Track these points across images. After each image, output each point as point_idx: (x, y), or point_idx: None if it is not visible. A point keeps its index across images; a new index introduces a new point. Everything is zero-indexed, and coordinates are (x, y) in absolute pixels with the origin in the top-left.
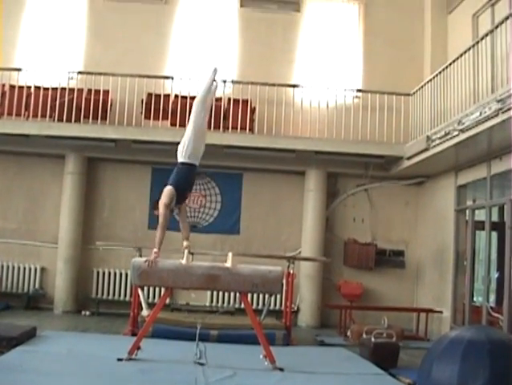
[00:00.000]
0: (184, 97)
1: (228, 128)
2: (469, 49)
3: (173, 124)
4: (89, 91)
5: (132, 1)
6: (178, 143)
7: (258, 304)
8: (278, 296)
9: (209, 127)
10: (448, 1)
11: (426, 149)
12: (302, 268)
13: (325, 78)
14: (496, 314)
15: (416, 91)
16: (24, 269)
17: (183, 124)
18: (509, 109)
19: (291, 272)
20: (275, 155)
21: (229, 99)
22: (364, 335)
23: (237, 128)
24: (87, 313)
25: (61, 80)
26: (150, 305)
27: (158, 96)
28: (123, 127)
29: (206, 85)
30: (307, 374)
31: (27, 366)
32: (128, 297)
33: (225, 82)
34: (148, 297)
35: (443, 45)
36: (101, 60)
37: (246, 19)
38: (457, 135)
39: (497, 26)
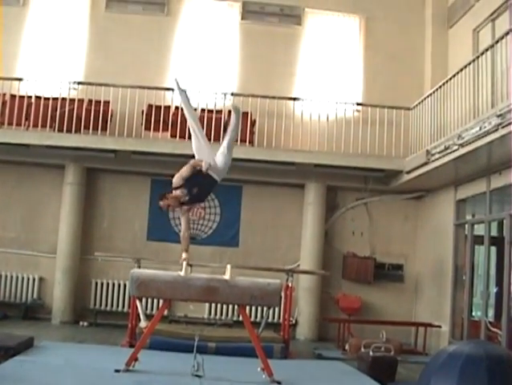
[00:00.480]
0: None
1: None
2: (470, 64)
3: (173, 136)
4: (89, 101)
5: (133, 12)
6: (178, 154)
7: (256, 317)
8: (277, 309)
9: (209, 139)
10: (448, 15)
11: (426, 163)
12: (300, 281)
13: (325, 91)
14: (494, 329)
15: (416, 105)
16: (22, 278)
17: (183, 136)
18: (509, 124)
19: (290, 285)
20: (275, 167)
21: (230, 112)
22: (363, 349)
23: (237, 141)
24: (85, 323)
25: (62, 90)
26: (148, 317)
27: (158, 108)
28: (123, 138)
29: (234, 126)
30: None
31: (24, 376)
32: (126, 309)
33: (225, 94)
34: (146, 308)
35: (443, 59)
36: (102, 71)
37: (247, 32)
38: (456, 149)
39: (497, 41)
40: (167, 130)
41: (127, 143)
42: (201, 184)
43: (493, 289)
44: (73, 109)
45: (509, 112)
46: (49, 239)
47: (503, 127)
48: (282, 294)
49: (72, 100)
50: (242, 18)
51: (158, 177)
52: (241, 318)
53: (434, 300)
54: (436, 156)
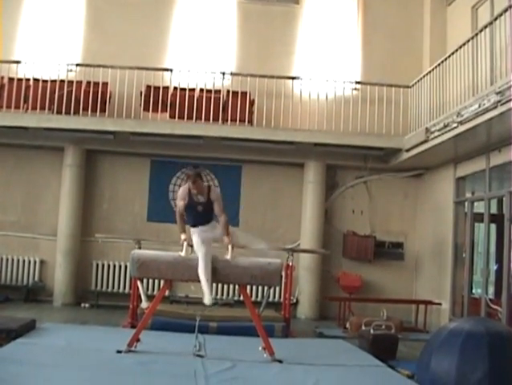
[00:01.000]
0: (183, 89)
1: (227, 120)
2: (469, 41)
3: (172, 116)
4: (88, 83)
5: None
6: (177, 135)
7: (257, 296)
8: (277, 288)
9: (208, 119)
10: None
11: (425, 141)
12: (301, 260)
13: (324, 70)
14: (495, 306)
15: (415, 83)
16: (23, 261)
17: (182, 116)
18: (508, 101)
19: (290, 264)
20: (274, 147)
21: (228, 92)
22: (363, 327)
23: (236, 120)
24: (87, 305)
25: (60, 72)
26: (149, 298)
27: (157, 88)
28: (121, 119)
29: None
30: (306, 365)
31: (26, 358)
32: (127, 290)
33: (224, 74)
34: (148, 289)
35: (442, 37)
36: (100, 52)
37: (245, 11)
38: (456, 127)
39: (496, 18)
40: (166, 111)
41: (126, 124)
42: (205, 210)
43: (493, 267)
44: (71, 91)
45: (508, 89)
46: (49, 221)
47: (502, 105)
48: (283, 274)
49: (71, 82)
50: None
51: (157, 158)
52: (242, 298)
53: (434, 278)
54: (436, 133)
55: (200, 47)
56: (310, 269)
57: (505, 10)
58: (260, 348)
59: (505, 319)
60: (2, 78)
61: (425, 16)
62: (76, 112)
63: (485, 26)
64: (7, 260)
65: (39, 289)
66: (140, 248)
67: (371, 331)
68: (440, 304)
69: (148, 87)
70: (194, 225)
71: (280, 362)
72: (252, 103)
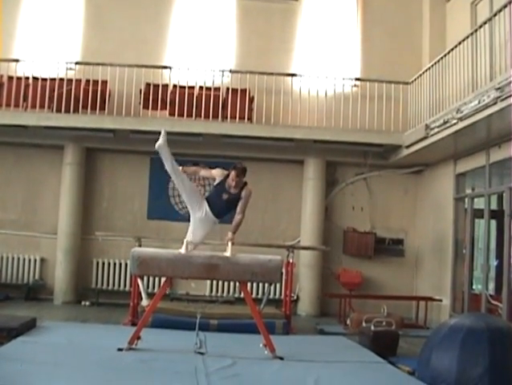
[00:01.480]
0: (182, 87)
1: (226, 118)
2: (468, 37)
3: (172, 114)
4: (87, 81)
5: None
6: (177, 133)
7: (257, 293)
8: (278, 285)
9: (208, 116)
10: None
11: (425, 138)
12: (301, 257)
13: (323, 67)
14: (495, 302)
15: (415, 79)
16: (24, 260)
17: (181, 114)
18: (507, 97)
19: (291, 261)
20: (274, 144)
21: (228, 89)
22: (364, 324)
23: (235, 118)
24: (87, 303)
25: (59, 71)
26: (150, 295)
27: (156, 86)
28: (121, 117)
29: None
30: (307, 362)
31: (27, 356)
32: (127, 288)
33: (223, 71)
34: (148, 287)
35: (441, 33)
36: (99, 50)
37: (244, 8)
38: (455, 123)
39: (495, 14)
40: (165, 108)
41: (125, 122)
42: (229, 202)
43: (494, 263)
44: (71, 89)
45: (507, 85)
46: (49, 220)
47: (502, 100)
48: (283, 270)
49: (70, 80)
50: None
51: (157, 156)
52: (242, 295)
53: (435, 274)
54: (435, 130)
55: (199, 45)
56: (311, 265)
57: (505, 6)
58: (261, 345)
59: (506, 315)
60: (2, 76)
61: (425, 12)
62: (76, 110)
63: (485, 22)
64: (7, 258)
65: (40, 288)
66: (140, 245)
67: (372, 328)
68: (440, 300)
69: (148, 84)
70: (208, 201)
71: (281, 358)
72: (251, 100)
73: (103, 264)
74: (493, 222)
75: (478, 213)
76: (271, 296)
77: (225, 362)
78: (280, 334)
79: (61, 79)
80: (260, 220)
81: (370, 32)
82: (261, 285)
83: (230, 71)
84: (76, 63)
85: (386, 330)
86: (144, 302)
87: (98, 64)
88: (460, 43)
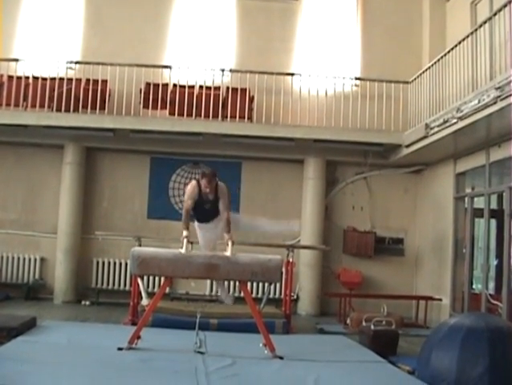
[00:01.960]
0: (182, 86)
1: (226, 117)
2: (468, 36)
3: (172, 114)
4: (87, 80)
5: None
6: (177, 132)
7: (257, 292)
8: (278, 284)
9: (208, 115)
10: None
11: (425, 137)
12: (301, 256)
13: (324, 66)
14: (495, 302)
15: (415, 78)
16: (24, 259)
17: (181, 114)
18: (507, 96)
19: (291, 260)
20: (274, 143)
21: (228, 88)
22: (364, 323)
23: (235, 117)
24: (87, 303)
25: (59, 70)
26: (150, 295)
27: (156, 86)
28: (121, 116)
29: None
30: (307, 362)
31: (27, 356)
32: (127, 287)
33: (223, 71)
34: (148, 286)
35: (441, 32)
36: (99, 50)
37: (244, 8)
38: (455, 122)
39: (495, 14)
40: (165, 108)
41: (125, 121)
42: (212, 209)
43: (494, 262)
44: (71, 89)
45: (507, 85)
46: (49, 219)
47: (502, 100)
48: (283, 270)
49: (70, 80)
50: None
51: (157, 155)
52: (242, 295)
53: (435, 273)
54: (435, 129)
55: (199, 44)
56: (311, 265)
57: (505, 6)
58: (261, 344)
59: (506, 314)
60: (2, 76)
61: (424, 12)
62: (76, 110)
63: (485, 22)
64: (7, 258)
65: (40, 287)
66: (140, 245)
67: (372, 327)
68: (440, 299)
69: (148, 84)
70: (199, 220)
71: (281, 358)
72: (251, 99)
73: (103, 263)
74: (493, 221)
75: (478, 213)
76: (271, 295)
77: (225, 361)
78: (280, 333)
79: (61, 79)
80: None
81: (370, 31)
82: (261, 284)
83: (230, 71)
84: (76, 63)
85: (386, 329)
86: (144, 302)
87: (98, 63)
88: (460, 43)
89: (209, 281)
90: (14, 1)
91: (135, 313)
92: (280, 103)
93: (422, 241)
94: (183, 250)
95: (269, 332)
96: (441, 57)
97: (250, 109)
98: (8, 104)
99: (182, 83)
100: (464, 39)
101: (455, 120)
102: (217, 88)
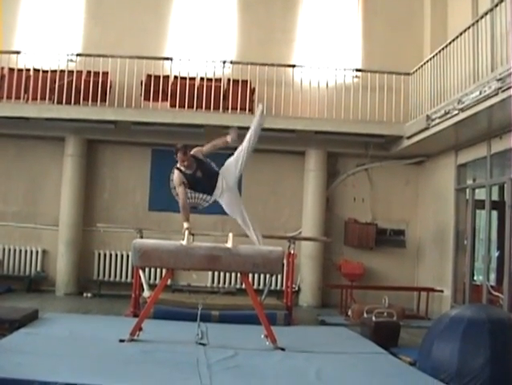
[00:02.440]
0: (183, 78)
1: (228, 109)
2: (469, 28)
3: (173, 105)
4: (88, 73)
5: None
6: (178, 124)
7: (258, 284)
8: (279, 276)
9: (209, 107)
10: None
11: (426, 128)
12: (302, 248)
13: (325, 58)
14: (496, 293)
15: (416, 70)
16: (25, 252)
17: (182, 105)
18: (509, 88)
19: (292, 252)
20: (275, 135)
21: (229, 80)
22: (365, 315)
23: (236, 109)
24: (89, 295)
25: (60, 63)
26: (151, 287)
27: (157, 77)
28: (122, 108)
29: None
30: (308, 353)
31: (29, 348)
32: (129, 279)
33: (224, 62)
34: (150, 278)
35: (443, 24)
36: (100, 42)
37: None
38: (456, 114)
39: (496, 5)
40: (166, 100)
41: (126, 113)
42: (204, 172)
43: (495, 254)
44: (72, 81)
45: (509, 76)
46: (51, 211)
47: (503, 91)
48: (285, 262)
49: (71, 72)
50: None
51: (158, 147)
52: (243, 286)
53: (436, 265)
54: (437, 120)
55: (200, 36)
56: (312, 256)
57: None
58: (262, 336)
59: (507, 306)
60: (3, 68)
61: (426, 3)
62: (77, 102)
63: (486, 13)
64: (9, 250)
65: (41, 280)
66: (141, 237)
67: (373, 319)
68: (441, 291)
69: (149, 76)
70: (207, 193)
71: (282, 349)
72: (252, 91)
73: (105, 255)
74: (495, 213)
75: (479, 204)
76: (272, 287)
77: (227, 353)
78: (281, 325)
79: (62, 71)
80: (261, 212)
81: (371, 23)
82: (262, 276)
83: (231, 62)
84: (77, 55)
85: (387, 320)
86: (146, 294)
87: (99, 56)
88: (461, 34)
89: (210, 273)
90: None
91: (136, 305)
92: (281, 94)
93: (423, 233)
94: (184, 242)
95: (270, 324)
96: (442, 48)
97: (251, 101)
98: (9, 97)
99: (183, 74)
100: (465, 30)
101: (456, 112)
102: (218, 80)
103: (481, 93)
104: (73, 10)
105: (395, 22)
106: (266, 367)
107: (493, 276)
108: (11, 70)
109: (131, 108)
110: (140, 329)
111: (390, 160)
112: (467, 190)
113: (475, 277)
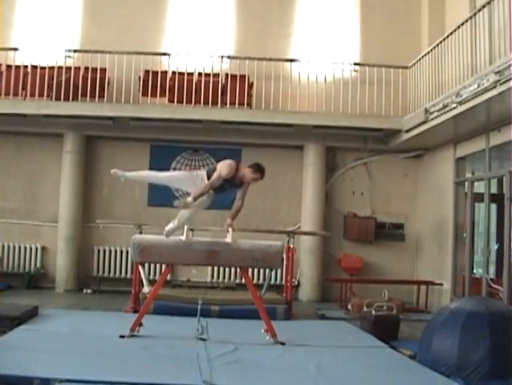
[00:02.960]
0: (181, 73)
1: (226, 104)
2: (467, 21)
3: (171, 101)
4: (86, 69)
5: None
6: (176, 119)
7: (258, 279)
8: (279, 270)
9: (207, 102)
10: None
11: (424, 122)
12: (302, 242)
13: (323, 51)
14: (496, 286)
15: (414, 63)
16: (25, 248)
17: (180, 101)
18: (507, 80)
19: (291, 246)
20: (274, 130)
21: (227, 75)
22: (365, 308)
23: (235, 104)
24: (89, 291)
25: (58, 59)
26: (151, 282)
27: (155, 73)
28: (120, 104)
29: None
30: (308, 347)
31: (30, 344)
32: (129, 275)
33: (222, 57)
34: (149, 274)
35: (440, 17)
36: (98, 38)
37: None
38: (455, 107)
39: None
40: (164, 95)
41: (125, 109)
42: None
43: (494, 246)
44: (70, 77)
45: (507, 69)
46: (50, 208)
47: (501, 84)
48: (284, 256)
49: (69, 68)
50: None
51: (157, 143)
52: (243, 281)
53: (435, 258)
54: (435, 114)
55: (198, 31)
56: (312, 251)
57: None
58: (262, 330)
59: (507, 299)
60: (0, 65)
61: None
62: (75, 98)
63: (484, 6)
64: (9, 247)
65: (41, 276)
66: (141, 233)
67: (373, 312)
68: (441, 284)
69: (147, 71)
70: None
71: (282, 344)
72: (251, 86)
73: (104, 251)
74: (494, 206)
75: (478, 197)
76: (272, 281)
77: (227, 347)
78: (281, 319)
79: (60, 67)
80: (260, 206)
81: (369, 16)
82: (262, 270)
83: (229, 57)
84: (75, 51)
85: (387, 314)
86: (146, 289)
87: (96, 52)
88: (459, 27)
89: (210, 268)
90: None
91: (136, 300)
92: (279, 89)
93: (422, 226)
94: (184, 237)
95: (270, 318)
96: (440, 41)
97: (250, 95)
98: (7, 94)
99: (181, 70)
100: (463, 23)
101: (454, 105)
102: (216, 75)
103: (479, 86)
104: (70, 6)
105: (393, 16)
106: (267, 362)
107: (492, 269)
108: (9, 66)
109: (129, 104)
110: (140, 324)
111: (389, 154)
112: (466, 183)
113: (474, 270)
